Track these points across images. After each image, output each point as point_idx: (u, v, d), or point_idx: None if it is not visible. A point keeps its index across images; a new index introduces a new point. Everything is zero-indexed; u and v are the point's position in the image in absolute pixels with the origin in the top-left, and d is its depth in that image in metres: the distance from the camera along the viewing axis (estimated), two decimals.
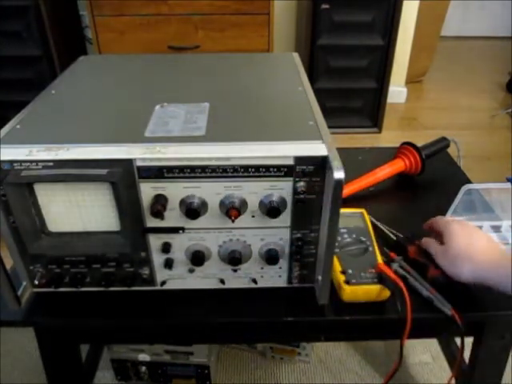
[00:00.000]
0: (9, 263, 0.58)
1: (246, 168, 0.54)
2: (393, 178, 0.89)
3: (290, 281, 0.64)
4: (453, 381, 0.68)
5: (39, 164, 0.52)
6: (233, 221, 0.55)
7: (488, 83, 2.94)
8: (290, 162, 0.54)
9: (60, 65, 1.86)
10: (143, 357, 1.09)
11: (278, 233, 0.59)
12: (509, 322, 0.69)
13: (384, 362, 1.21)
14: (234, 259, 0.60)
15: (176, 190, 0.55)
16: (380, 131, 2.31)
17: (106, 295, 0.64)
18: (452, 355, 1.01)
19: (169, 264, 0.61)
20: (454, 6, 3.01)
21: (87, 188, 0.55)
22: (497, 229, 0.76)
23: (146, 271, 0.62)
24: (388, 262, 0.66)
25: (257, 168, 0.54)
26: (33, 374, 1.17)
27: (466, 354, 0.74)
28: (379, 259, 0.65)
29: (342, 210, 0.53)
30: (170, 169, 0.53)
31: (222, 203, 0.56)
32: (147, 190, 0.55)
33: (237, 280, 0.64)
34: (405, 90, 2.68)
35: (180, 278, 0.63)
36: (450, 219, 0.67)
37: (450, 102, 2.72)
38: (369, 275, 0.62)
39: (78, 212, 0.57)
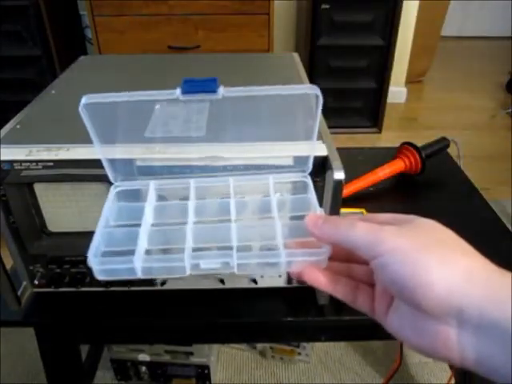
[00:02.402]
0: (9, 263, 0.58)
1: (245, 168, 0.54)
2: (393, 178, 0.89)
3: (289, 281, 0.64)
4: (453, 381, 0.68)
5: (39, 164, 0.52)
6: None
7: (488, 83, 2.94)
8: (290, 161, 0.54)
9: (60, 65, 1.87)
10: (143, 357, 1.09)
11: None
12: None
13: (384, 362, 1.21)
14: None
15: (176, 190, 0.55)
16: (380, 131, 2.31)
17: (106, 295, 0.64)
18: None
19: None
20: (453, 6, 3.01)
21: (87, 188, 0.55)
22: None
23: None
24: None
25: (257, 168, 0.54)
26: (33, 374, 1.17)
27: None
28: None
29: (342, 210, 0.53)
30: (170, 169, 0.53)
31: (222, 203, 0.56)
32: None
33: (237, 280, 0.64)
34: (405, 90, 2.69)
35: (180, 278, 0.63)
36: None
37: (450, 102, 2.72)
38: None
39: (77, 212, 0.56)
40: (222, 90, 0.42)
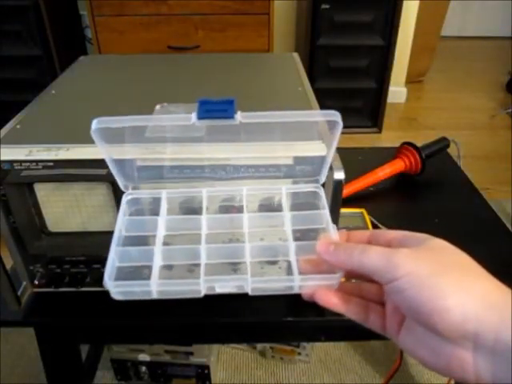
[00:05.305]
0: (9, 263, 0.58)
1: (245, 168, 0.54)
2: (393, 178, 0.89)
3: None
4: (453, 381, 0.68)
5: (39, 164, 0.52)
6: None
7: (488, 83, 2.94)
8: (290, 161, 0.54)
9: (60, 65, 1.87)
10: (143, 357, 1.09)
11: (278, 233, 0.59)
12: None
13: (384, 362, 1.21)
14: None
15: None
16: (380, 131, 2.31)
17: (106, 295, 0.63)
18: None
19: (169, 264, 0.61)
20: (453, 6, 3.01)
21: (87, 188, 0.55)
22: None
23: (145, 271, 0.62)
24: None
25: (257, 168, 0.54)
26: (33, 374, 1.17)
27: None
28: None
29: (342, 210, 0.53)
30: (170, 169, 0.53)
31: (221, 203, 0.56)
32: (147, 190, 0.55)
33: None
34: (405, 90, 2.68)
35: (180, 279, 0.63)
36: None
37: (450, 102, 2.72)
38: None
39: (78, 212, 0.56)
40: (239, 117, 0.40)
